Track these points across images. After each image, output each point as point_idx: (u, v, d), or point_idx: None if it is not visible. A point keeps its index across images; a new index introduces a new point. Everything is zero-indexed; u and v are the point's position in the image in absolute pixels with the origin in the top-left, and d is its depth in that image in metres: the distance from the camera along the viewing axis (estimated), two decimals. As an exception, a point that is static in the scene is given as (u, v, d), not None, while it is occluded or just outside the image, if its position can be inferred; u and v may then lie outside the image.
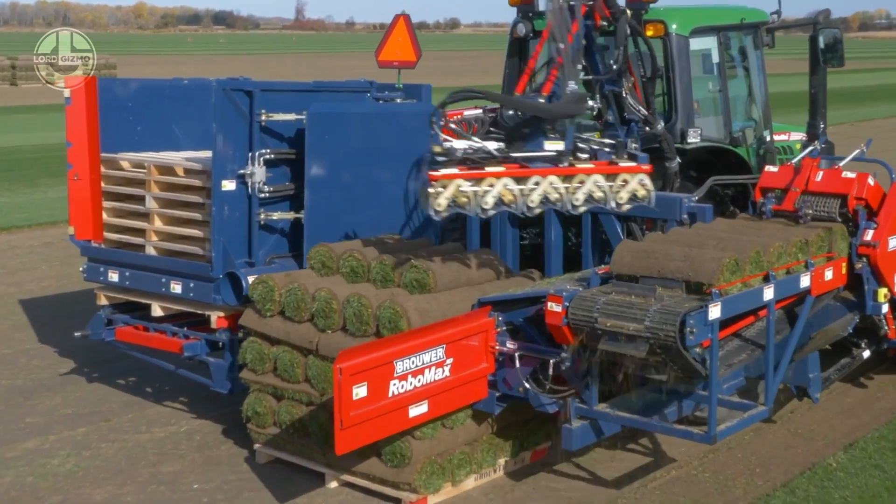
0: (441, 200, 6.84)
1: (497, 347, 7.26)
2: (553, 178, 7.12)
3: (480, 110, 10.23)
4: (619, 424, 7.22)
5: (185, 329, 8.59)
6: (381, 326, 7.16)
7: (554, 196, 7.13)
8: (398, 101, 9.12)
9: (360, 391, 6.40)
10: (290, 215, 8.37)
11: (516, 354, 7.20)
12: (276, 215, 8.30)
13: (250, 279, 7.95)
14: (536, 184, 7.06)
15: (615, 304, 6.68)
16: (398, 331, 7.01)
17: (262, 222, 8.25)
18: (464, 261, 7.85)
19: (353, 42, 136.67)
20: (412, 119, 8.88)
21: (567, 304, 6.82)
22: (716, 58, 9.82)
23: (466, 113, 10.07)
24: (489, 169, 7.00)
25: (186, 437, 8.47)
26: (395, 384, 6.62)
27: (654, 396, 7.53)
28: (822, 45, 10.11)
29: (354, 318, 7.26)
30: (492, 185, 6.97)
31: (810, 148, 9.06)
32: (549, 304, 6.87)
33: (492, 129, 10.02)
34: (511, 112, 7.45)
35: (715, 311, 6.57)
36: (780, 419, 8.66)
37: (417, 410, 6.82)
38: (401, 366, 6.65)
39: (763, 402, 7.40)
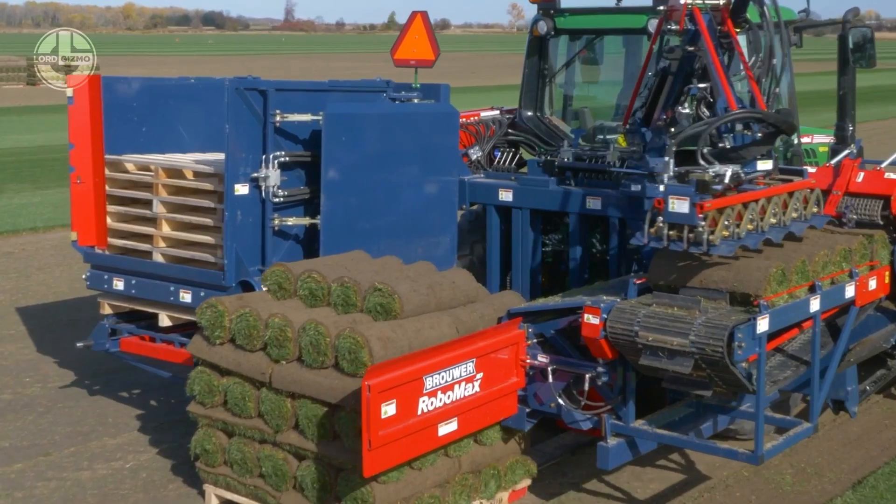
0: (718, 232, 6.22)
1: (528, 361, 6.89)
2: (775, 198, 6.77)
3: (497, 111, 9.91)
4: (658, 442, 6.86)
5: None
6: (339, 357, 6.48)
7: (773, 220, 6.73)
8: (415, 101, 8.73)
9: (388, 409, 6.03)
10: (306, 221, 7.97)
11: (549, 368, 6.83)
12: (290, 221, 7.91)
13: (264, 288, 7.58)
14: (762, 207, 6.67)
15: (657, 316, 6.31)
16: (359, 363, 6.38)
17: (276, 228, 7.85)
18: (436, 282, 7.16)
19: (343, 43, 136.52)
20: (432, 120, 8.51)
21: (605, 316, 6.45)
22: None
23: (483, 114, 9.75)
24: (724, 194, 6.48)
25: (131, 475, 7.84)
26: (424, 401, 6.25)
27: (689, 412, 7.19)
28: (850, 44, 9.75)
29: (311, 347, 6.60)
30: (740, 212, 6.48)
31: (847, 151, 8.71)
32: (586, 315, 6.50)
33: (510, 130, 9.74)
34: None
35: (763, 324, 6.21)
36: (782, 452, 7.81)
37: (447, 428, 6.45)
38: (430, 381, 6.28)
39: (805, 417, 7.04)
